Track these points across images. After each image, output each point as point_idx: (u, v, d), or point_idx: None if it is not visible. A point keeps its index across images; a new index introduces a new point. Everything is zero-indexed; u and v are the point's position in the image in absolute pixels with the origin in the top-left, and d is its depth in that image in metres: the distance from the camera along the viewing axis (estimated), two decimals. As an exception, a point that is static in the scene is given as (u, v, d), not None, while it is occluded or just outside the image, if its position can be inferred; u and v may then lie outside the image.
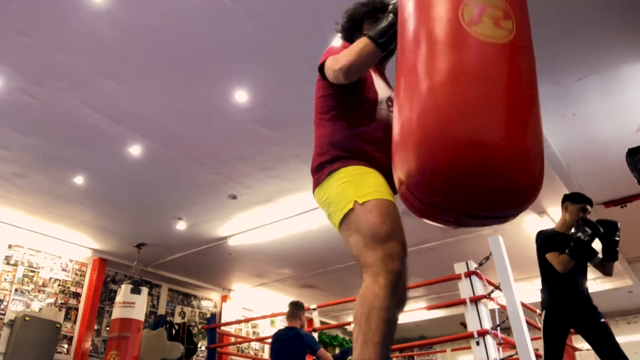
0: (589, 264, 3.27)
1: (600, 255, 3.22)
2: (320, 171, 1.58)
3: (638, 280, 7.65)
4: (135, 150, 4.60)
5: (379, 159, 1.54)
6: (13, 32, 3.26)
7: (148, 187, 5.36)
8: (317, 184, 1.60)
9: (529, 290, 8.12)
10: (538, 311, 4.87)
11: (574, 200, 3.31)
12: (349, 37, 1.80)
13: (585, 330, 3.09)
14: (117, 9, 3.10)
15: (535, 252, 3.28)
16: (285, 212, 5.90)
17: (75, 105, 3.97)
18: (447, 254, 5.90)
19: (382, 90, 1.69)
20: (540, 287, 3.27)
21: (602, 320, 3.06)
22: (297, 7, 3.11)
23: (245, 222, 6.18)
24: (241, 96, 3.89)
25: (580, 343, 7.72)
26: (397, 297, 1.49)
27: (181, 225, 6.16)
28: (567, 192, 4.98)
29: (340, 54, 1.55)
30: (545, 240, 3.23)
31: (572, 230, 3.13)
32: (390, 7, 1.51)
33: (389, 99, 1.68)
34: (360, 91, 1.64)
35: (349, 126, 1.59)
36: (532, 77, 1.22)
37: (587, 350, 3.11)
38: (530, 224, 6.02)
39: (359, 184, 1.47)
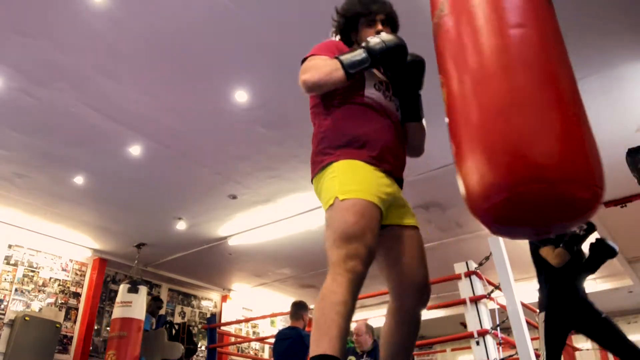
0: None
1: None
2: (315, 162, 1.61)
3: (638, 280, 7.65)
4: (135, 150, 4.60)
5: (374, 140, 1.55)
6: (13, 32, 3.26)
7: (148, 187, 5.36)
8: (313, 174, 1.62)
9: (529, 290, 8.13)
10: (538, 311, 4.88)
11: None
12: (344, 34, 1.80)
13: (588, 329, 3.04)
14: (117, 9, 3.10)
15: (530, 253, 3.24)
16: (285, 212, 5.90)
17: (75, 105, 3.97)
18: (447, 254, 5.90)
19: (369, 75, 1.67)
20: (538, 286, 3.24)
21: (604, 315, 2.99)
22: (298, 8, 3.11)
23: (245, 222, 6.17)
24: (241, 96, 3.89)
25: (580, 343, 7.72)
26: (418, 297, 1.56)
27: (181, 225, 6.16)
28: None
29: (311, 63, 1.60)
30: None
31: None
32: (368, 44, 1.54)
33: (380, 82, 1.69)
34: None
35: (341, 116, 1.61)
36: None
37: (587, 350, 3.10)
38: (530, 224, 6.02)
39: (344, 180, 1.47)
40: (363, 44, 1.56)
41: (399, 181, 1.62)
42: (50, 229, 6.33)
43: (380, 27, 1.70)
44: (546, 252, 3.07)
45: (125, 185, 5.28)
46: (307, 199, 5.57)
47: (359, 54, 1.53)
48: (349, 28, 1.77)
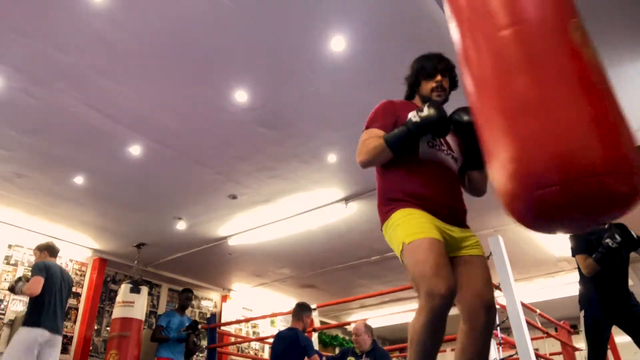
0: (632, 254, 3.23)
1: None
2: (381, 213, 1.85)
3: (638, 280, 7.65)
4: (135, 150, 4.60)
5: (429, 197, 1.76)
6: (13, 32, 3.26)
7: (148, 187, 5.36)
8: (381, 223, 1.85)
9: (529, 290, 8.14)
10: (538, 311, 4.88)
11: None
12: (409, 91, 2.04)
13: (624, 322, 3.08)
14: (117, 9, 3.10)
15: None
16: (285, 212, 5.90)
17: (75, 105, 3.97)
18: (447, 254, 5.91)
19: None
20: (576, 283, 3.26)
21: None
22: (298, 8, 3.11)
23: (245, 222, 6.18)
24: (241, 96, 3.89)
25: (580, 343, 7.71)
26: (487, 316, 1.68)
27: (181, 225, 6.16)
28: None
29: (363, 143, 1.83)
30: (576, 240, 3.23)
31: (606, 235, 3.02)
32: (409, 121, 1.73)
33: (433, 139, 1.87)
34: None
35: (399, 174, 1.84)
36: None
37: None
38: (530, 224, 6.01)
39: (405, 226, 1.68)
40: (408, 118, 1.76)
41: (459, 222, 1.81)
42: (50, 229, 6.33)
43: (439, 77, 1.90)
44: (579, 260, 3.17)
45: (125, 185, 5.28)
46: (307, 199, 5.57)
47: (399, 132, 1.76)
48: (414, 86, 2.00)
